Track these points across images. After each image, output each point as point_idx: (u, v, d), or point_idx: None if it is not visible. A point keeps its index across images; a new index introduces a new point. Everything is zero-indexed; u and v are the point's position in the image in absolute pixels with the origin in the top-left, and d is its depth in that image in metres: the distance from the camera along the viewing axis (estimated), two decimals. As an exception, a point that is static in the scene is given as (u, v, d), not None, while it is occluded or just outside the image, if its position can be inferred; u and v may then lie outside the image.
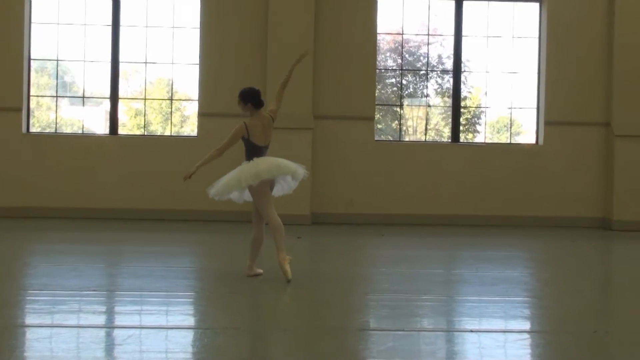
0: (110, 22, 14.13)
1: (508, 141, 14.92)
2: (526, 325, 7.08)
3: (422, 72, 14.98)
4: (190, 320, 6.92)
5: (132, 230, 12.71)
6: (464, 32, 14.50)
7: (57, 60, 14.37)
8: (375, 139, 14.32)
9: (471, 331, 6.52)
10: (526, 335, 6.58)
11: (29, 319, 6.66)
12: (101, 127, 15.02)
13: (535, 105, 14.60)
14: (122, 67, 14.43)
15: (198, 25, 14.12)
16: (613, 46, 14.12)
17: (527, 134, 15.17)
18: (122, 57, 14.23)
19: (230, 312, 7.04)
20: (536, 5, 14.57)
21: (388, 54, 15.03)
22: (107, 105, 14.41)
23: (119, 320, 6.82)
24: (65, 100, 15.07)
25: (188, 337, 6.20)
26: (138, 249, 10.84)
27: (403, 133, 14.87)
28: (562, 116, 14.31)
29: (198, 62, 14.10)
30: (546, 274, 9.84)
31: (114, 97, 14.16)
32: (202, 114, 14.02)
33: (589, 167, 14.35)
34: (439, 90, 15.12)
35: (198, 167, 8.40)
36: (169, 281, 8.27)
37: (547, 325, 6.97)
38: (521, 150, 14.57)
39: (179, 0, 14.30)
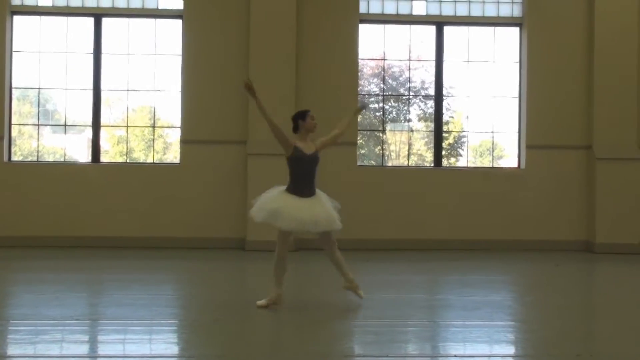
0: (91, 49, 14.16)
1: (490, 165, 14.99)
2: (510, 350, 7.08)
3: (404, 97, 15.04)
4: (174, 349, 6.86)
5: (115, 258, 12.63)
6: (445, 57, 14.60)
7: (39, 88, 14.34)
8: (358, 164, 14.35)
9: (455, 356, 6.52)
10: (510, 360, 6.56)
11: (11, 350, 6.58)
12: (83, 155, 14.97)
13: (517, 129, 14.69)
14: (104, 95, 14.42)
15: (180, 52, 14.17)
16: (593, 70, 14.25)
17: (509, 157, 15.23)
18: (103, 84, 14.24)
19: (213, 340, 7.00)
20: (516, 29, 14.69)
21: (371, 79, 15.10)
22: (89, 133, 14.37)
23: (101, 350, 6.75)
24: (47, 128, 15.01)
25: (171, 365, 6.15)
26: (121, 277, 10.75)
27: (386, 158, 14.89)
28: (544, 140, 14.40)
29: (180, 89, 14.13)
30: (530, 298, 9.86)
31: (96, 125, 14.14)
32: (184, 141, 14.03)
33: (571, 190, 14.42)
34: (421, 115, 15.17)
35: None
36: (152, 310, 8.24)
37: (531, 349, 6.95)
38: (503, 174, 14.62)
39: (160, 28, 14.35)
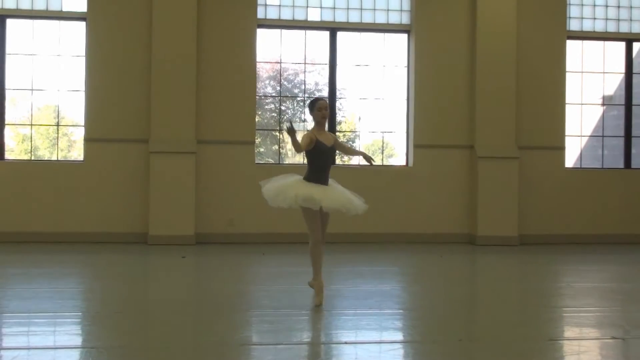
0: (-5, 49, 14.09)
1: (381, 163, 15.43)
2: (398, 336, 7.33)
3: (299, 99, 15.54)
4: (77, 340, 6.85)
5: (19, 252, 12.55)
6: (338, 61, 15.02)
7: (-57, 87, 14.16)
8: (256, 162, 14.61)
9: (346, 343, 6.71)
10: (398, 346, 6.82)
11: None
12: (-13, 153, 14.95)
13: (405, 130, 15.26)
14: (9, 94, 14.39)
15: (84, 52, 14.27)
16: (475, 75, 14.85)
17: (398, 156, 15.75)
18: (8, 84, 14.25)
19: (115, 331, 7.03)
20: (405, 36, 15.25)
21: (267, 82, 15.50)
22: (-7, 130, 14.32)
23: (5, 342, 6.71)
24: (-50, 126, 14.92)
25: (74, 356, 6.21)
26: (24, 271, 10.64)
27: (283, 156, 15.21)
28: (430, 140, 14.94)
29: (84, 89, 14.22)
30: (416, 287, 10.22)
31: (1, 123, 14.16)
32: (88, 139, 14.13)
33: (455, 187, 15.01)
34: (315, 116, 15.55)
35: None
36: (55, 302, 8.25)
37: (417, 335, 7.20)
38: (393, 172, 15.15)
39: (64, 28, 14.43)
